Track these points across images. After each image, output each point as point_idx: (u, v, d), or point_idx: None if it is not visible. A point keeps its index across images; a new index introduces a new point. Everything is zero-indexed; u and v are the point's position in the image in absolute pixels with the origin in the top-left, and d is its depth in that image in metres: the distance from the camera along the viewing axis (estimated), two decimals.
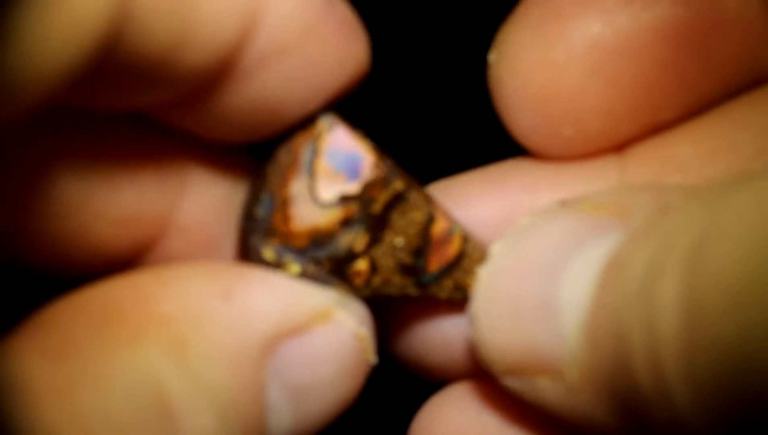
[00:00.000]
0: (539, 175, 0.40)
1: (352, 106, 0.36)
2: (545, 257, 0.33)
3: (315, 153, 0.35)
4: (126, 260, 0.38)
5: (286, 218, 0.36)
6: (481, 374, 0.38)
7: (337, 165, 0.35)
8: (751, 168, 0.37)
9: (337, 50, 0.34)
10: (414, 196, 0.36)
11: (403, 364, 0.42)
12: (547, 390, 0.33)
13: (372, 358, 0.37)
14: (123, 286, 0.33)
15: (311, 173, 0.35)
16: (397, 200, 0.36)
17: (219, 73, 0.32)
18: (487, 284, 0.35)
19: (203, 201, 0.38)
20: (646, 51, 0.38)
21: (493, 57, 0.40)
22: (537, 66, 0.38)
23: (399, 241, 0.37)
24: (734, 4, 0.38)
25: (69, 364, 0.29)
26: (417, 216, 0.37)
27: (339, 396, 0.36)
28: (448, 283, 0.38)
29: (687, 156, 0.38)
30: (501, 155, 0.42)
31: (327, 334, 0.36)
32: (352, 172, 0.35)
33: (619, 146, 0.40)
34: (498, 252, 0.35)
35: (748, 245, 0.24)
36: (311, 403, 0.35)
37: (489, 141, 0.44)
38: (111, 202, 0.36)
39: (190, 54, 0.30)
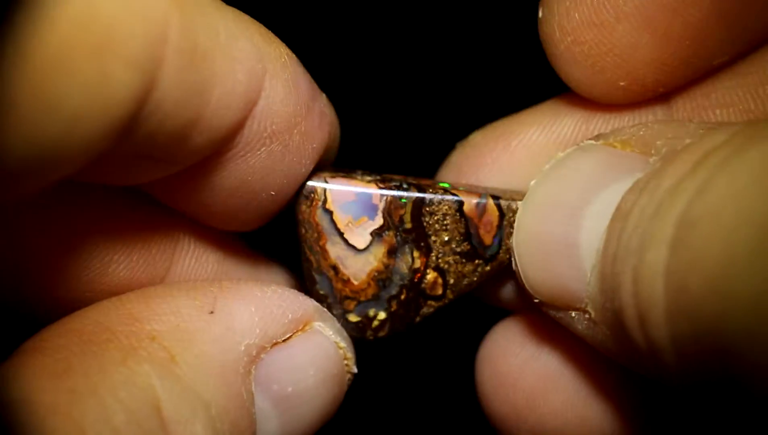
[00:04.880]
0: (589, 111, 0.41)
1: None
2: (569, 196, 0.35)
3: (330, 214, 0.38)
4: None
5: (345, 281, 0.38)
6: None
7: (353, 212, 0.38)
8: None
9: (315, 138, 0.37)
10: (431, 194, 0.38)
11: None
12: (576, 321, 0.35)
13: (353, 366, 0.39)
14: (112, 309, 0.34)
15: (338, 232, 0.38)
16: (419, 207, 0.38)
17: (216, 153, 0.34)
18: (523, 220, 0.37)
19: (189, 275, 0.40)
20: (694, 2, 0.38)
21: (541, 12, 0.40)
22: (587, 25, 0.39)
23: (445, 236, 0.38)
24: None
25: (68, 382, 0.30)
26: (444, 208, 0.38)
27: (322, 403, 0.38)
28: (508, 244, 0.39)
29: (730, 88, 0.39)
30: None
31: (307, 343, 0.37)
32: (368, 210, 0.38)
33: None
34: (533, 187, 0.37)
35: (730, 228, 0.26)
36: (296, 410, 0.37)
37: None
38: (103, 273, 0.37)
39: (199, 135, 0.32)
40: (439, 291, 0.39)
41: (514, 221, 0.38)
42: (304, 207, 0.37)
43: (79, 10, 0.26)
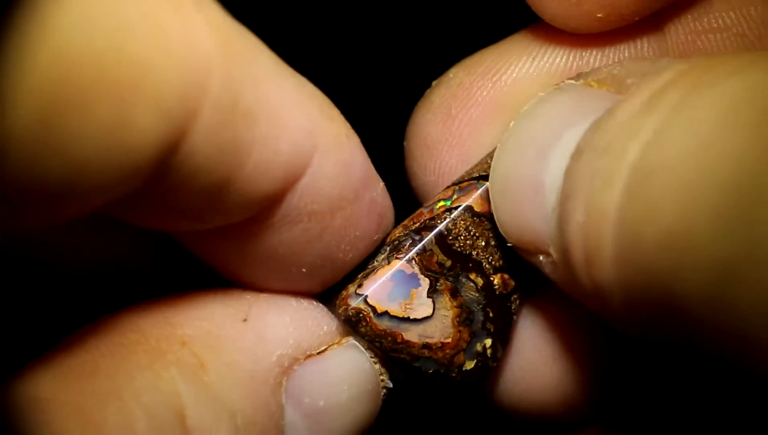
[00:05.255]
0: (582, 38, 0.40)
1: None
2: (541, 135, 0.33)
3: (386, 314, 0.37)
4: None
5: (440, 347, 0.37)
6: None
7: (401, 294, 0.37)
8: None
9: (358, 229, 0.35)
10: (442, 223, 0.37)
11: None
12: (543, 265, 0.34)
13: (388, 381, 0.38)
14: (145, 311, 0.34)
15: (405, 320, 0.37)
16: (443, 242, 0.37)
17: (251, 219, 0.33)
18: (497, 160, 0.35)
19: None
20: None
21: None
22: None
23: (481, 242, 0.38)
24: None
25: (92, 384, 0.30)
26: (461, 223, 0.38)
27: (355, 419, 0.37)
28: None
29: (722, 11, 0.38)
30: None
31: (342, 357, 0.37)
32: (410, 282, 0.37)
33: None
34: (511, 127, 0.35)
35: (690, 185, 0.25)
36: (327, 425, 0.36)
37: None
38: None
39: (231, 198, 0.31)
40: (512, 284, 0.38)
41: None
42: (363, 329, 0.37)
43: (104, 45, 0.24)
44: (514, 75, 0.40)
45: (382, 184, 0.37)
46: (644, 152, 0.27)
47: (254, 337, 0.34)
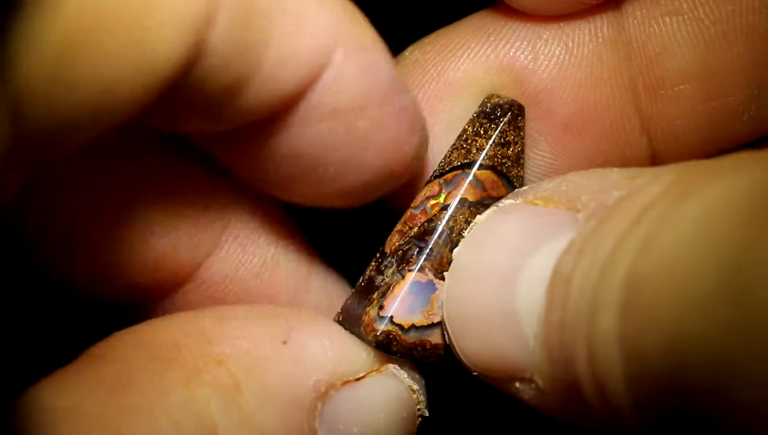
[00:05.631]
0: (540, 19, 0.39)
1: None
2: (500, 264, 0.33)
3: (413, 327, 0.36)
4: (149, 299, 0.38)
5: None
6: None
7: (420, 303, 0.36)
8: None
9: (387, 133, 0.35)
10: (445, 219, 0.37)
11: None
12: (521, 391, 0.33)
13: (424, 410, 0.37)
14: (183, 325, 0.34)
15: (434, 325, 0.36)
16: (449, 237, 0.37)
17: (271, 117, 0.33)
18: (452, 292, 0.35)
19: (232, 264, 0.39)
20: None
21: None
22: None
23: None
24: None
25: (123, 397, 0.30)
26: (463, 217, 0.37)
27: None
28: None
29: None
30: None
31: (380, 384, 0.36)
32: (427, 289, 0.36)
33: None
34: (458, 256, 0.35)
35: (680, 284, 0.25)
36: None
37: None
38: (144, 243, 0.37)
39: (251, 95, 0.31)
40: None
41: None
42: (395, 348, 0.36)
43: None
44: (469, 53, 0.39)
45: (413, 95, 0.36)
46: (633, 266, 0.27)
47: (293, 359, 0.34)
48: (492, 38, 0.39)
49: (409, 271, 0.36)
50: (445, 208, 0.37)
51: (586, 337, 0.28)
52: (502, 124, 0.38)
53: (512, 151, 0.38)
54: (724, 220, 0.25)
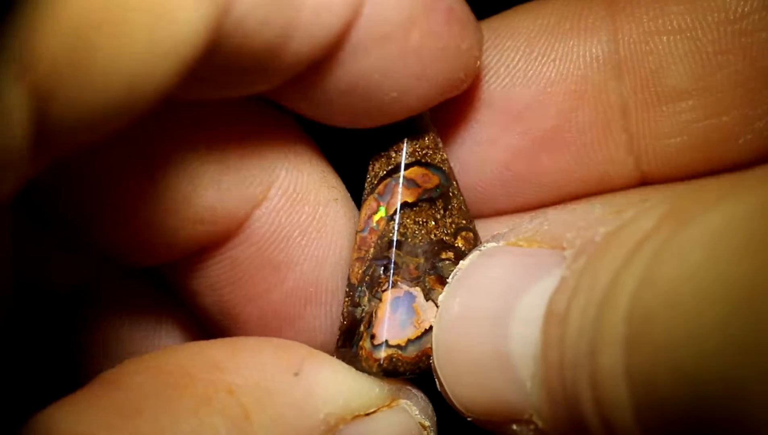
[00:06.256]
0: (533, 35, 0.39)
1: None
2: (490, 307, 0.33)
3: (408, 344, 0.36)
4: (194, 255, 0.38)
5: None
6: None
7: (406, 320, 0.36)
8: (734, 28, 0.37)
9: (441, 41, 0.34)
10: (394, 229, 0.37)
11: None
12: (519, 433, 0.33)
13: None
14: (195, 353, 0.34)
15: (426, 341, 0.36)
16: (404, 244, 0.37)
17: (322, 59, 0.33)
18: (441, 338, 0.35)
19: (282, 216, 0.38)
20: None
21: None
22: None
23: (432, 223, 0.37)
24: None
25: (134, 424, 0.30)
26: (409, 220, 0.37)
27: None
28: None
29: (678, 14, 0.38)
30: None
31: (391, 419, 0.36)
32: (409, 302, 0.36)
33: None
34: (444, 303, 0.35)
35: (693, 312, 0.25)
36: None
37: None
38: (190, 196, 0.36)
39: (294, 47, 0.31)
40: (470, 235, 0.39)
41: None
42: (402, 369, 0.36)
43: None
44: None
45: None
46: (636, 300, 0.27)
47: (303, 392, 0.34)
48: (484, 52, 0.39)
49: (384, 291, 0.36)
50: (391, 218, 0.37)
51: (590, 375, 0.28)
52: (408, 120, 0.38)
53: (428, 139, 0.38)
54: (730, 244, 0.25)
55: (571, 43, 0.39)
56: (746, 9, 0.37)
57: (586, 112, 0.39)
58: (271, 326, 0.38)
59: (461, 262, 0.36)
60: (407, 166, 0.38)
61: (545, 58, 0.39)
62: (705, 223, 0.26)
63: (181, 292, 0.39)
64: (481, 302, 0.34)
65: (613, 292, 0.28)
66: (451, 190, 0.38)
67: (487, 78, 0.39)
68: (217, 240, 0.37)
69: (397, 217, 0.37)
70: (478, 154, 0.40)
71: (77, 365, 0.41)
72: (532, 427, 0.32)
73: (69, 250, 0.40)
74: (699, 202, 0.27)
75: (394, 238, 0.37)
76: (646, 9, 0.38)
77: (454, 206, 0.38)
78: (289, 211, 0.38)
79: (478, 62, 0.37)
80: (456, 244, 0.37)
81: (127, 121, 0.28)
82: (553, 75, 0.39)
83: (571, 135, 0.39)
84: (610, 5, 0.39)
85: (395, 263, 0.36)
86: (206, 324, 0.40)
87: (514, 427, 0.33)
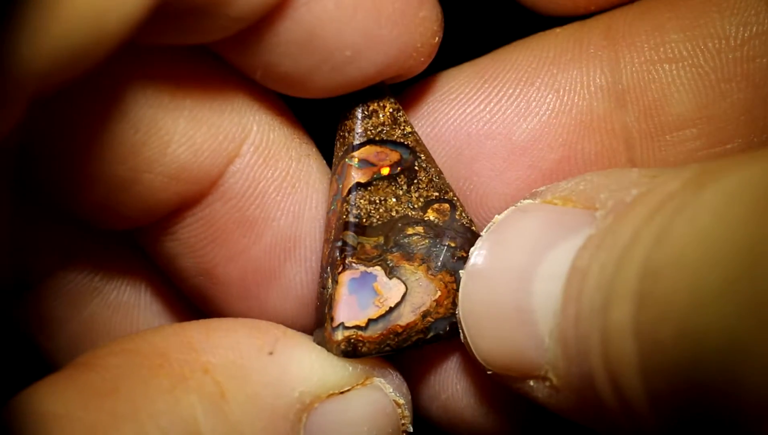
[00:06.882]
0: (534, 67, 0.40)
1: None
2: (517, 261, 0.33)
3: (373, 334, 0.36)
4: (170, 215, 0.38)
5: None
6: None
7: (366, 300, 0.36)
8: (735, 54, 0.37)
9: (396, 2, 0.35)
10: (348, 211, 0.37)
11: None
12: (535, 389, 0.33)
13: (409, 425, 0.38)
14: (170, 335, 0.34)
15: (395, 319, 0.36)
16: (360, 224, 0.37)
17: (274, 7, 0.33)
18: (468, 289, 0.35)
19: (256, 171, 0.38)
20: None
21: None
22: None
23: (393, 200, 0.37)
24: None
25: (110, 404, 0.30)
26: (363, 200, 0.37)
27: None
28: None
29: (679, 42, 0.38)
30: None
31: (365, 398, 0.36)
32: (367, 282, 0.36)
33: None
34: (475, 255, 0.35)
35: (696, 273, 0.25)
36: None
37: None
38: (162, 153, 0.36)
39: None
40: (446, 206, 0.38)
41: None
42: (365, 349, 0.36)
43: None
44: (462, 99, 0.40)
45: None
46: (649, 257, 0.27)
47: (278, 371, 0.34)
48: (486, 85, 0.40)
49: (339, 273, 0.36)
50: (345, 200, 0.37)
51: (601, 330, 0.28)
52: (359, 100, 0.38)
53: (383, 115, 0.38)
54: (740, 207, 0.25)
55: (574, 73, 0.39)
56: (746, 35, 0.37)
57: (592, 143, 0.39)
58: (251, 284, 0.38)
59: (497, 216, 0.36)
60: (360, 146, 0.38)
61: (548, 89, 0.39)
62: (720, 186, 0.26)
63: (158, 258, 0.39)
64: (509, 256, 0.34)
65: (631, 248, 0.28)
66: (417, 163, 0.38)
67: (489, 109, 0.39)
68: (193, 198, 0.37)
69: (351, 198, 0.37)
70: (483, 188, 0.40)
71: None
72: (547, 383, 0.32)
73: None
74: (719, 167, 0.28)
75: (348, 220, 0.37)
76: (646, 37, 0.39)
77: (421, 180, 0.38)
78: (262, 167, 0.38)
79: (437, 38, 0.36)
80: (426, 217, 0.37)
81: (98, 58, 0.28)
82: (557, 106, 0.39)
83: (578, 166, 0.39)
84: (609, 35, 0.39)
85: (348, 244, 0.37)
86: (185, 291, 0.40)
87: (531, 383, 0.33)
